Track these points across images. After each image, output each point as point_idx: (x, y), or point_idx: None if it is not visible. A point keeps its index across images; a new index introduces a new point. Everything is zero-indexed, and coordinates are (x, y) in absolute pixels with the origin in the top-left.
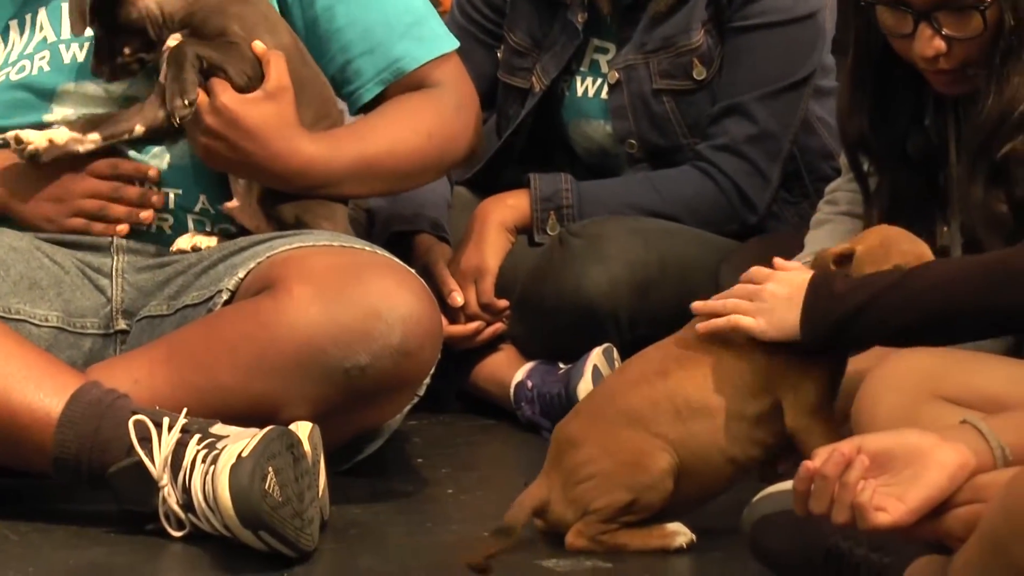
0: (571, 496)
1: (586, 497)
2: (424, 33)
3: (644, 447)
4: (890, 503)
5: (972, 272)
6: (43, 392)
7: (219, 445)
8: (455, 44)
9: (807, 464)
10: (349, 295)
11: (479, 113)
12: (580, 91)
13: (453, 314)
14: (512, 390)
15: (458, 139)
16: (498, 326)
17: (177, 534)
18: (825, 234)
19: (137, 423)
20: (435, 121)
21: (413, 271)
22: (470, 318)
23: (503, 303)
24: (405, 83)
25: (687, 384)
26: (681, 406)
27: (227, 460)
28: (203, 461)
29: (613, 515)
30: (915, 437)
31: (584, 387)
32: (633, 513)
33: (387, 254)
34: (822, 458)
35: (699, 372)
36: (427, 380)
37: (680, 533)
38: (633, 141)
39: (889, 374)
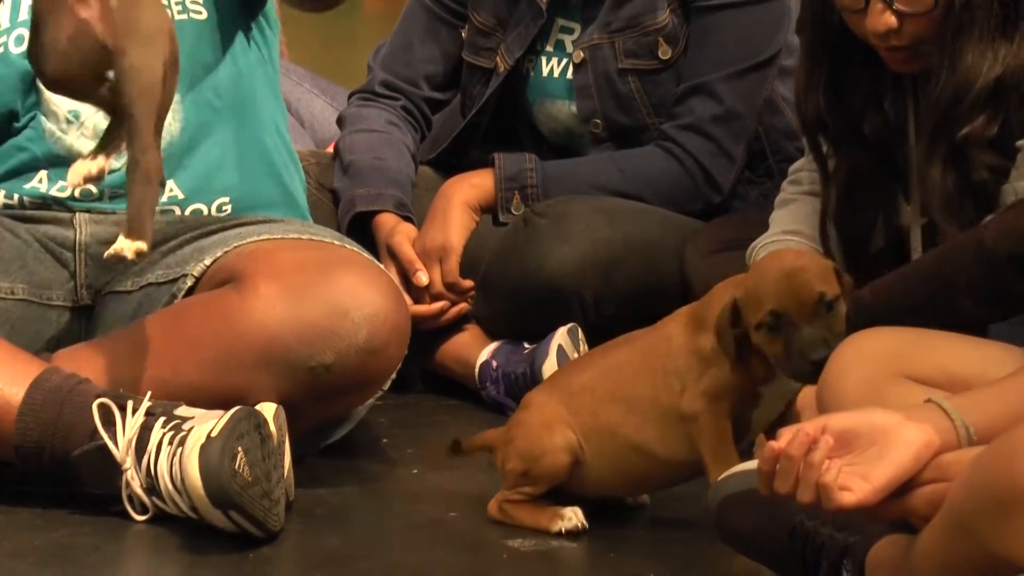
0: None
1: (502, 459)
2: None
3: (548, 421)
4: (855, 483)
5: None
6: (2, 380)
7: (185, 427)
8: None
9: (772, 444)
10: (315, 293)
11: None
12: (545, 71)
13: (418, 294)
14: (477, 370)
15: None
16: (463, 306)
17: (140, 518)
18: (788, 214)
19: (101, 406)
20: None
21: (381, 266)
22: (435, 298)
23: (468, 283)
24: None
25: (616, 374)
26: (600, 395)
27: (196, 440)
28: (170, 443)
29: (513, 483)
30: (880, 416)
31: (548, 367)
32: (531, 484)
33: (355, 247)
34: (787, 438)
35: (631, 364)
36: (393, 375)
37: (567, 518)
38: (598, 121)
39: (855, 352)
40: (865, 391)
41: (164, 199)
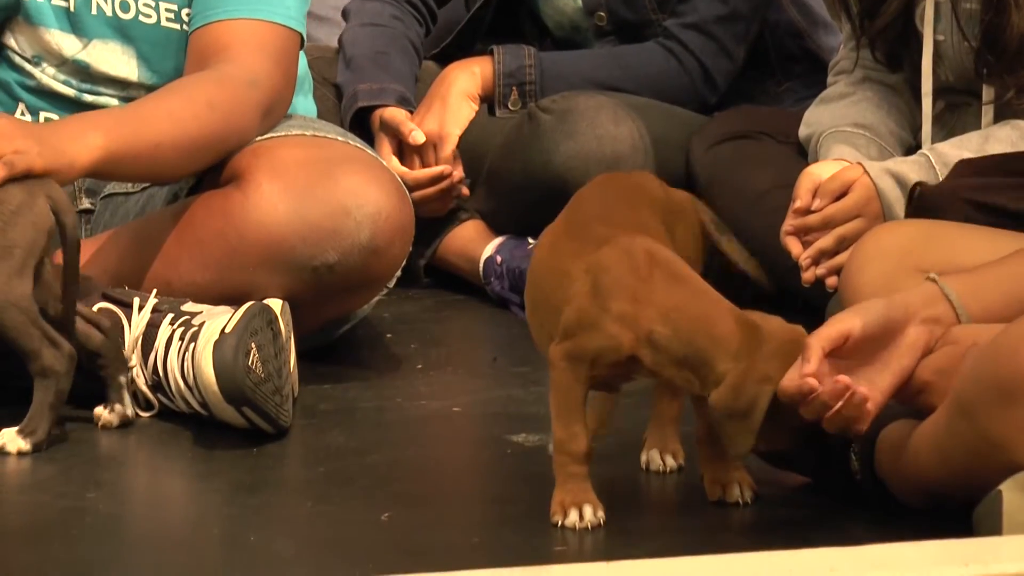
0: None
1: None
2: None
3: None
4: (870, 395)
5: None
6: None
7: (195, 322)
8: (290, 22)
9: (810, 383)
10: (317, 192)
11: (280, 98)
12: None
13: (411, 162)
14: (481, 265)
15: (246, 114)
16: (459, 174)
17: (144, 415)
18: (853, 106)
19: (105, 305)
20: (216, 91)
21: (384, 163)
22: (430, 183)
23: (459, 173)
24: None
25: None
26: None
27: (209, 336)
28: (180, 339)
29: None
30: (896, 311)
31: None
32: None
33: (360, 144)
34: (827, 388)
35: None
36: (397, 274)
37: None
38: (602, 14)
39: (873, 245)
40: (881, 283)
41: None
